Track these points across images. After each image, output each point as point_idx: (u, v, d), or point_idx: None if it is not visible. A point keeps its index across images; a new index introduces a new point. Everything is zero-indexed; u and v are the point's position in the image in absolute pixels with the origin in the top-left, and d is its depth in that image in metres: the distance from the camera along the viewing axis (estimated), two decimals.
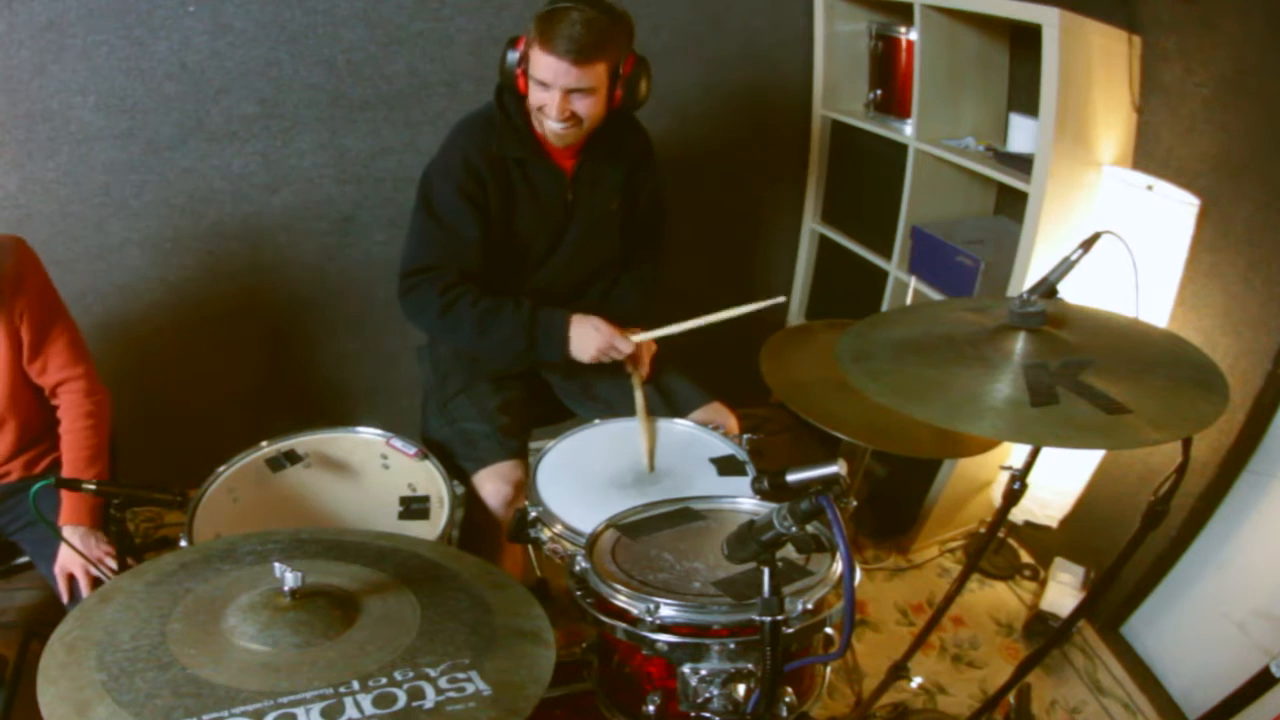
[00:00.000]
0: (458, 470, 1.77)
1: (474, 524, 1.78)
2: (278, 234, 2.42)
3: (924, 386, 1.14)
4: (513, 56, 1.67)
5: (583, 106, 1.65)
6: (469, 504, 1.78)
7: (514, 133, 1.74)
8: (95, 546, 1.55)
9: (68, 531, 1.54)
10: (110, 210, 2.26)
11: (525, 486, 1.72)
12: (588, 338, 1.77)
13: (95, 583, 1.53)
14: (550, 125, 1.68)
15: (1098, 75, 1.94)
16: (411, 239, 1.81)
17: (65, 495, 1.56)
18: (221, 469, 1.61)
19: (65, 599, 1.54)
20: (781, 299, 1.76)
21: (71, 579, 1.54)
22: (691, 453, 1.72)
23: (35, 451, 1.70)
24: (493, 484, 1.73)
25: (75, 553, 1.51)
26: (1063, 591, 2.24)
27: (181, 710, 0.82)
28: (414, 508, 1.55)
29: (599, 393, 1.97)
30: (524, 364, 1.97)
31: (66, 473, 1.61)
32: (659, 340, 1.85)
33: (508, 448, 1.78)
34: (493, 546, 1.78)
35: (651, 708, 1.19)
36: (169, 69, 2.16)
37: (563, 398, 2.04)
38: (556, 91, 1.62)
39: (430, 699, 0.86)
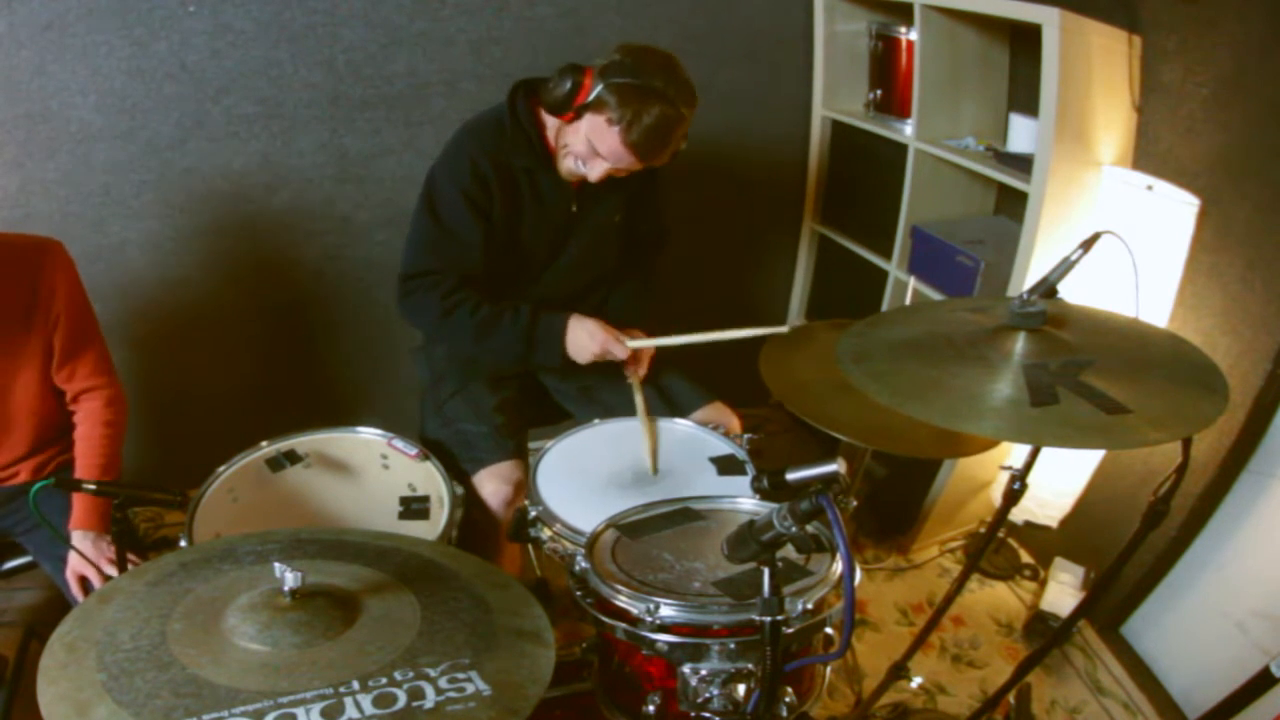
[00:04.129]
0: (457, 471, 1.77)
1: (474, 524, 1.78)
2: (278, 234, 2.42)
3: (924, 386, 1.14)
4: (567, 86, 1.58)
5: (619, 174, 1.69)
6: (468, 504, 1.78)
7: (524, 141, 1.72)
8: (105, 549, 1.55)
9: (77, 537, 1.54)
10: (110, 210, 2.26)
11: (525, 486, 1.72)
12: (583, 342, 1.77)
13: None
14: (573, 168, 1.70)
15: (1098, 75, 1.94)
16: (412, 242, 1.79)
17: (76, 500, 1.56)
18: (221, 469, 1.61)
19: (81, 602, 1.54)
20: (784, 329, 1.74)
21: (84, 581, 1.54)
22: (691, 452, 1.72)
23: (46, 455, 1.69)
24: (492, 484, 1.72)
25: (84, 557, 1.51)
26: (1063, 591, 2.25)
27: (181, 710, 0.82)
28: (414, 508, 1.55)
29: (598, 396, 1.96)
30: (521, 367, 1.97)
31: (79, 477, 1.61)
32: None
33: (505, 448, 1.77)
34: (493, 547, 1.78)
35: (651, 708, 1.19)
36: (169, 69, 2.15)
37: (560, 400, 2.04)
38: (607, 164, 1.64)
39: (430, 699, 0.86)
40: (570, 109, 1.60)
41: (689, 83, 1.61)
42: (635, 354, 1.85)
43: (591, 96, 1.57)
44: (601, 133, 1.59)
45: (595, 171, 1.67)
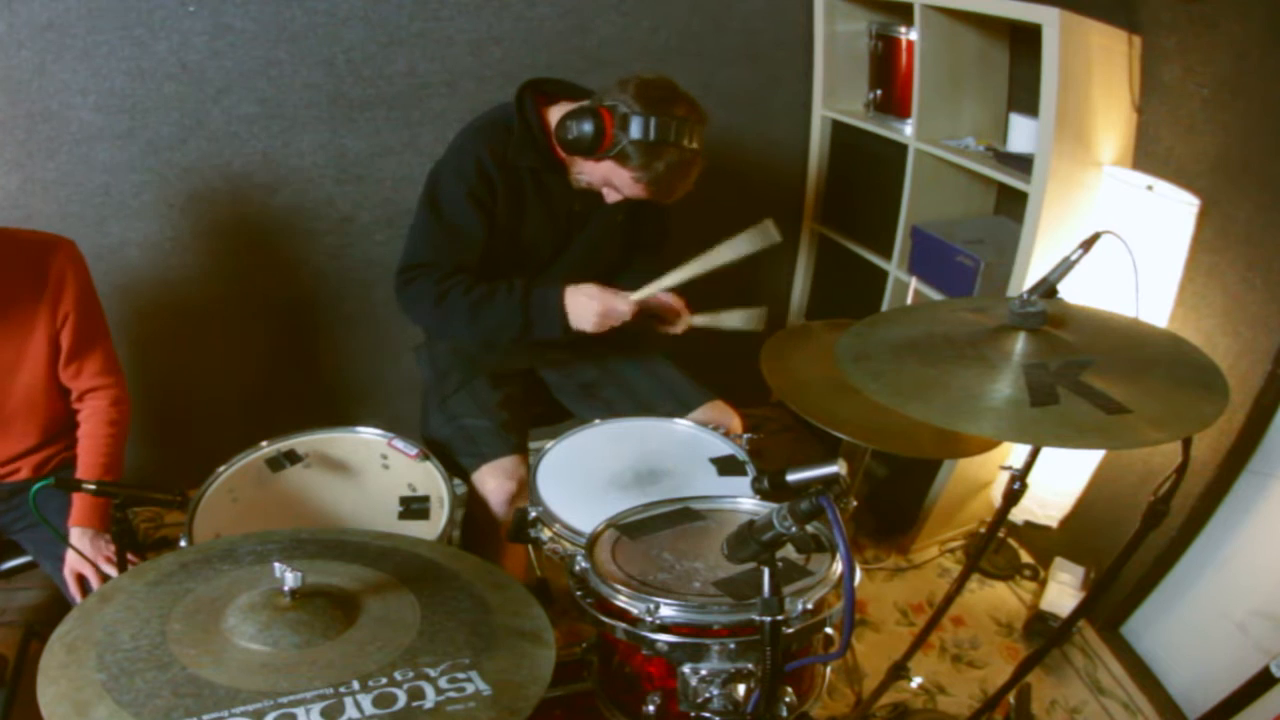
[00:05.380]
0: (458, 468, 1.76)
1: (475, 523, 1.78)
2: (278, 234, 2.42)
3: (924, 386, 1.14)
4: (588, 128, 1.61)
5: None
6: (470, 503, 1.77)
7: (531, 143, 1.75)
8: (104, 548, 1.55)
9: (76, 534, 1.54)
10: (110, 210, 2.26)
11: (526, 483, 1.72)
12: (584, 306, 1.75)
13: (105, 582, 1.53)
14: (584, 186, 1.76)
15: (1098, 75, 1.94)
16: (413, 235, 1.82)
17: (76, 497, 1.56)
18: (221, 469, 1.61)
19: (78, 600, 1.54)
20: (775, 236, 1.76)
21: (82, 579, 1.54)
22: (692, 453, 1.72)
23: (48, 451, 1.69)
24: (496, 480, 1.72)
25: (82, 555, 1.51)
26: (1063, 591, 2.25)
27: (181, 710, 0.82)
28: (414, 508, 1.55)
29: (599, 393, 1.97)
30: (523, 361, 1.97)
31: (81, 476, 1.61)
32: (667, 290, 1.81)
33: (509, 443, 1.77)
34: (495, 545, 1.77)
35: (651, 708, 1.19)
36: (169, 69, 2.15)
37: (561, 398, 2.04)
38: (623, 196, 1.72)
39: (430, 699, 0.86)
40: (592, 156, 1.65)
41: (703, 119, 1.67)
42: (670, 308, 1.86)
43: (614, 150, 1.62)
44: (625, 181, 1.67)
45: (610, 198, 1.74)
